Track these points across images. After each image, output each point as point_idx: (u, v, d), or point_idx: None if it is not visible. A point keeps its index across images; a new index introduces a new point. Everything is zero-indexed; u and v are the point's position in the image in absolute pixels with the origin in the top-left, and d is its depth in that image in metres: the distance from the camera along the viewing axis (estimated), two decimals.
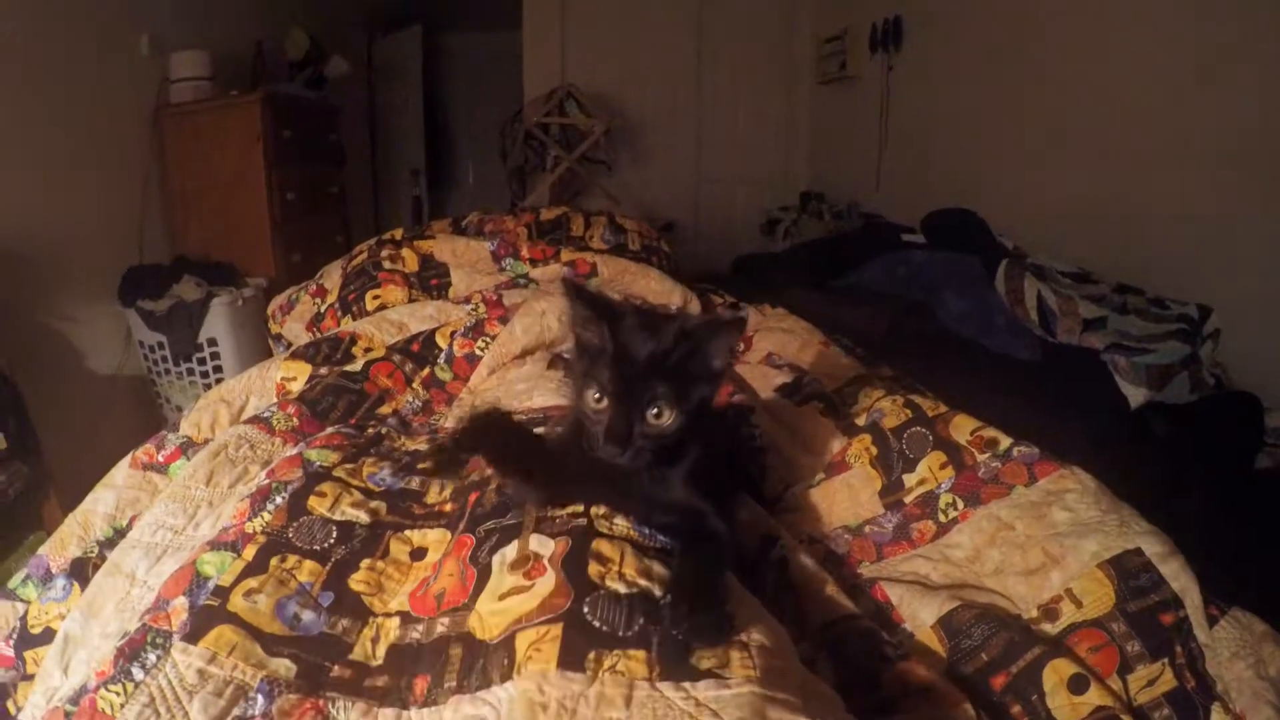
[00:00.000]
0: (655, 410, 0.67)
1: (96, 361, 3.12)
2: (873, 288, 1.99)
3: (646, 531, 0.69)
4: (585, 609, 0.60)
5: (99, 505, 1.03)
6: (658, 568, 0.66)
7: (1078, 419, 1.39)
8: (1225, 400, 1.66)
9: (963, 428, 1.05)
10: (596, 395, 0.68)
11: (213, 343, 3.15)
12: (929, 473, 1.02)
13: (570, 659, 0.56)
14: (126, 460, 1.10)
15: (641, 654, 0.57)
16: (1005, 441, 1.01)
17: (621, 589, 0.62)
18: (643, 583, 0.63)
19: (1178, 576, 0.80)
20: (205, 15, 3.79)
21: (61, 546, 0.99)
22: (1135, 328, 1.68)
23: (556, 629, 0.59)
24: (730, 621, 0.61)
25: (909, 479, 1.03)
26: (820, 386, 1.22)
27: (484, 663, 0.60)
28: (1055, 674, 0.72)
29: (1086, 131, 2.82)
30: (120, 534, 0.98)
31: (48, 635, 0.86)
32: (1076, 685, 0.72)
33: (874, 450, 1.07)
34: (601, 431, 0.67)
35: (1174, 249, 2.38)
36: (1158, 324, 1.70)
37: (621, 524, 0.70)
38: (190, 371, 3.18)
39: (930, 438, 1.05)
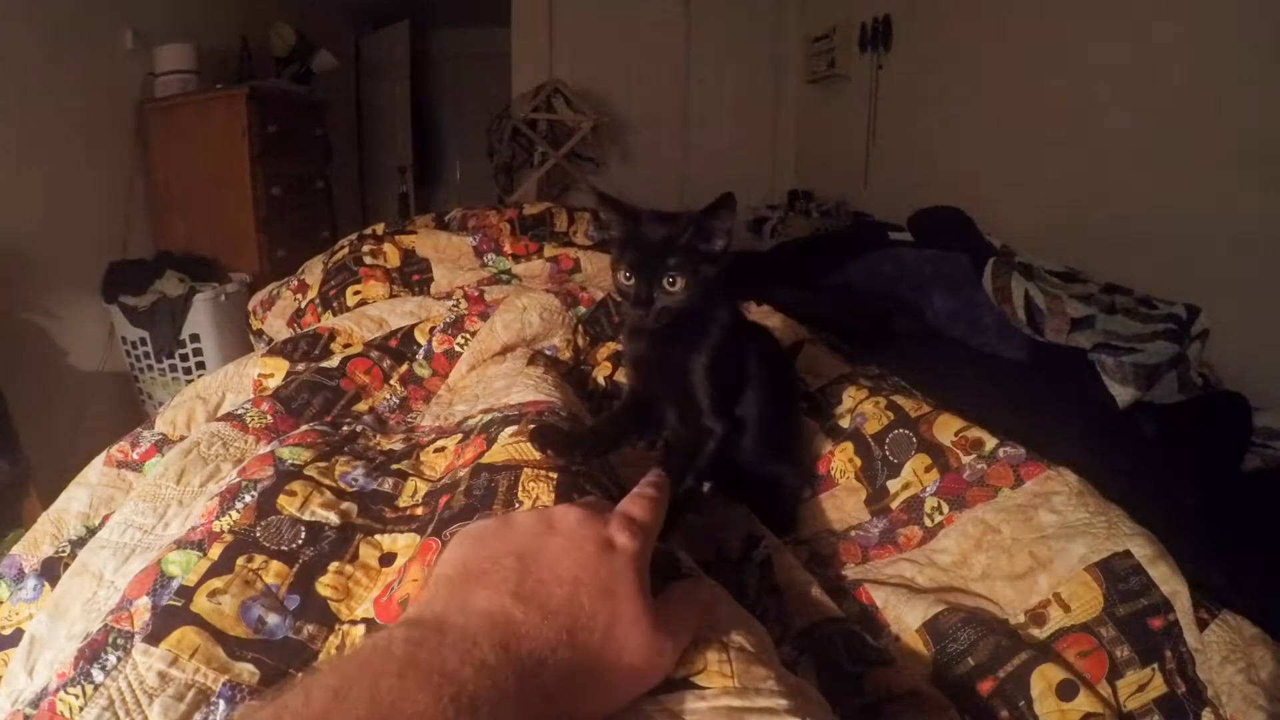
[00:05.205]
0: (670, 279, 0.83)
1: (79, 358, 3.10)
2: (860, 286, 1.97)
3: None
4: None
5: (72, 504, 1.00)
6: None
7: (1066, 419, 1.38)
8: (1213, 400, 1.66)
9: (947, 428, 1.03)
10: (626, 275, 0.85)
11: (195, 339, 3.13)
12: (913, 476, 1.01)
13: None
14: (101, 458, 1.07)
15: None
16: (991, 442, 1.00)
17: None
18: None
19: (1167, 580, 0.79)
20: (190, 9, 3.76)
21: (34, 546, 0.96)
22: (1123, 327, 1.67)
23: None
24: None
25: (893, 485, 1.02)
26: (804, 385, 1.21)
27: None
28: (1043, 679, 0.71)
29: (1074, 131, 2.83)
30: (93, 533, 0.95)
31: (17, 636, 0.83)
32: (1065, 691, 0.70)
33: (858, 462, 1.06)
34: (630, 299, 0.85)
35: (1162, 248, 2.39)
36: (1145, 324, 1.69)
37: None
38: (173, 368, 3.16)
39: (914, 440, 1.04)
